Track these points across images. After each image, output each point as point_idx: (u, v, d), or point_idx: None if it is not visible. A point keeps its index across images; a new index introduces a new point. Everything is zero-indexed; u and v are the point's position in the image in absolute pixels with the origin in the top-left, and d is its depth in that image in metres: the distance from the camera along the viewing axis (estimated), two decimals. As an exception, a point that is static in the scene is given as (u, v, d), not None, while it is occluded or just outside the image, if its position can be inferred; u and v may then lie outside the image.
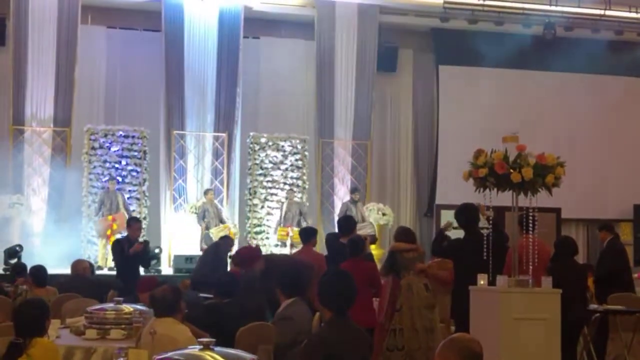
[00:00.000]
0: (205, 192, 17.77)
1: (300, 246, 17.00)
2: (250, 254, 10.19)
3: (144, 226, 17.80)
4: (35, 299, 6.61)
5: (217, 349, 4.40)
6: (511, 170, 7.43)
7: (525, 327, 7.45)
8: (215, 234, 16.78)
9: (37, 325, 5.82)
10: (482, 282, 7.72)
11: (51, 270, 13.43)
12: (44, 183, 17.65)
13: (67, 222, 17.42)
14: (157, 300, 6.32)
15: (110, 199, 17.07)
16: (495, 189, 7.63)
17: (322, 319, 6.23)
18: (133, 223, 12.65)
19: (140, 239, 15.39)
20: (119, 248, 12.18)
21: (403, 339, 9.45)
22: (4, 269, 14.73)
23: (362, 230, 14.94)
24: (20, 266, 12.20)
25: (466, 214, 8.96)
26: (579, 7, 19.63)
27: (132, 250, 11.88)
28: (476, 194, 7.89)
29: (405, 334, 9.45)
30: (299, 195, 18.59)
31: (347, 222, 10.60)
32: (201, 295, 9.14)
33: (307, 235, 11.14)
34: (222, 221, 17.57)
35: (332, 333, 5.54)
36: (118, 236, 15.05)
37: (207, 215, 17.35)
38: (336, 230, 11.35)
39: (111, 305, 7.82)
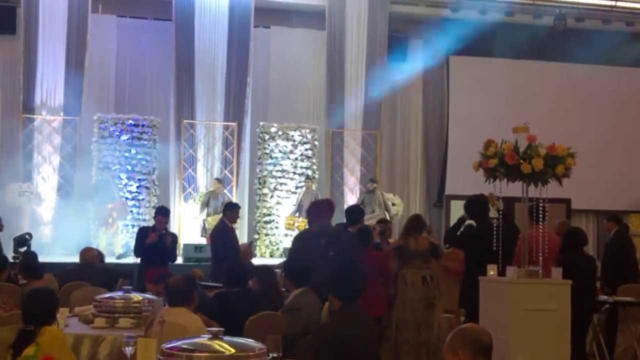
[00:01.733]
0: (215, 181, 17.71)
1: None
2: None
3: (152, 215, 17.84)
4: (43, 288, 6.62)
5: (226, 338, 4.40)
6: (521, 161, 7.40)
7: (534, 318, 7.44)
8: (211, 222, 16.78)
9: (46, 313, 5.83)
10: (491, 273, 7.71)
11: (61, 259, 13.51)
12: (53, 171, 17.69)
13: (76, 211, 17.46)
14: (171, 289, 6.33)
15: (105, 187, 17.06)
16: (506, 180, 7.61)
17: (331, 308, 6.22)
18: (159, 214, 12.30)
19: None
20: (140, 236, 12.11)
21: (391, 331, 9.45)
22: (14, 257, 14.73)
23: (371, 220, 14.90)
24: (32, 255, 12.05)
25: (477, 205, 8.95)
26: (590, -3, 19.59)
27: (148, 241, 11.72)
28: (486, 184, 7.87)
29: (395, 326, 9.45)
30: (310, 183, 18.53)
31: (354, 212, 10.51)
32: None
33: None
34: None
35: (342, 322, 5.55)
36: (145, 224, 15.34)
37: (211, 204, 17.27)
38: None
39: (120, 293, 7.82)
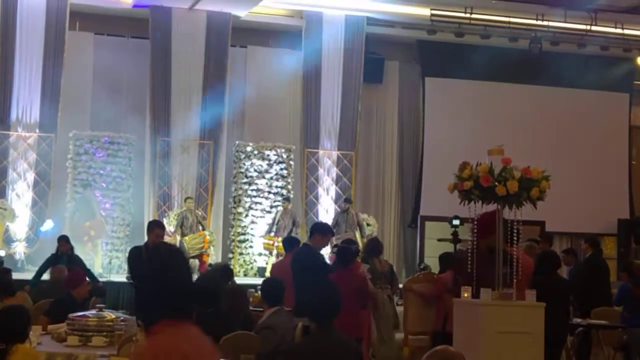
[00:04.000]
0: (185, 200, 17.67)
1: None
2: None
3: (127, 233, 17.81)
4: (16, 306, 6.58)
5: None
6: (496, 183, 7.45)
7: (508, 341, 7.46)
8: (189, 241, 16.75)
9: (18, 331, 5.80)
10: (465, 295, 7.73)
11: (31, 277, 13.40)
12: (28, 188, 17.59)
13: (50, 228, 17.39)
14: None
15: (86, 205, 17.01)
16: (480, 202, 7.65)
17: (303, 329, 6.22)
18: (155, 227, 10.70)
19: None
20: (132, 255, 10.50)
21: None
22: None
23: (339, 240, 14.88)
24: (6, 271, 12.06)
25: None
26: (565, 22, 19.71)
27: None
28: (461, 206, 7.91)
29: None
30: (283, 204, 18.51)
31: (316, 227, 10.32)
32: None
33: (291, 244, 11.18)
34: (204, 229, 17.50)
35: (315, 343, 5.53)
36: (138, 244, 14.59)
37: (185, 223, 17.24)
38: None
39: (93, 312, 7.79)
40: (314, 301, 5.76)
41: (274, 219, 18.08)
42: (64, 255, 13.36)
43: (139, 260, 9.85)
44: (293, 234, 17.44)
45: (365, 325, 9.60)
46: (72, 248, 13.79)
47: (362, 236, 17.57)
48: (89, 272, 12.94)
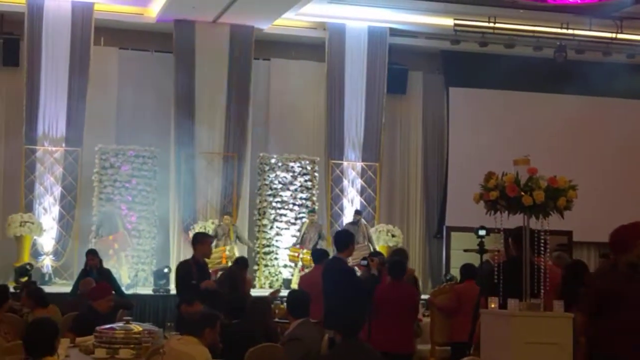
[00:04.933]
0: (224, 215, 17.70)
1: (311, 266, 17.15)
2: None
3: (153, 246, 17.88)
4: (45, 318, 6.61)
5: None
6: (522, 193, 7.40)
7: (536, 352, 7.39)
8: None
9: (47, 344, 5.83)
10: (492, 306, 7.68)
11: (61, 289, 13.51)
12: (55, 202, 17.71)
13: (77, 241, 17.52)
14: (186, 320, 6.40)
15: (110, 219, 17.09)
16: (507, 212, 7.61)
17: (329, 341, 6.21)
18: (203, 239, 10.62)
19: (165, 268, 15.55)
20: (184, 272, 10.17)
21: None
22: (15, 288, 14.72)
23: (357, 252, 14.84)
24: (33, 284, 12.20)
25: None
26: (590, 30, 19.60)
27: (204, 285, 10.03)
28: (487, 216, 7.86)
29: None
30: (315, 216, 18.50)
31: (343, 237, 9.92)
32: None
33: (320, 256, 11.16)
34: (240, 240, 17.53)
35: (341, 355, 5.52)
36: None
37: (218, 236, 17.27)
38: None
39: (120, 324, 7.81)
40: (342, 313, 5.76)
41: (300, 230, 18.09)
42: (93, 269, 13.44)
43: (189, 275, 9.80)
44: (319, 246, 17.45)
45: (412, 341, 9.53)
46: (100, 261, 13.88)
47: (372, 249, 17.54)
48: (116, 286, 13.01)
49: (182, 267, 10.28)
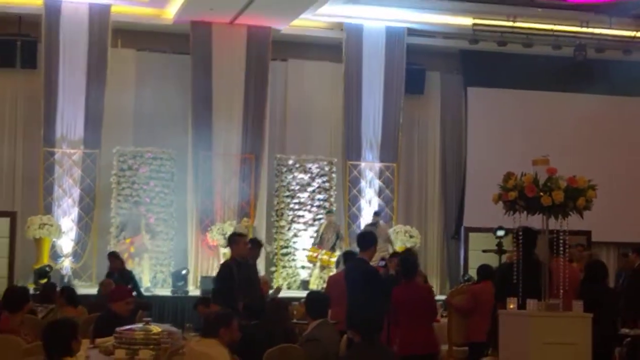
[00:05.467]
0: (242, 219, 17.73)
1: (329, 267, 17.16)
2: None
3: (171, 247, 17.92)
4: (64, 319, 6.63)
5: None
6: (541, 194, 7.37)
7: (555, 352, 7.37)
8: (228, 255, 16.81)
9: (63, 346, 5.84)
10: (511, 306, 7.65)
11: (81, 291, 13.56)
12: (74, 204, 17.77)
13: (96, 243, 17.60)
14: (206, 321, 6.41)
15: (133, 221, 17.14)
16: (525, 212, 7.58)
17: (348, 342, 6.21)
18: (236, 239, 10.66)
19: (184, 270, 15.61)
20: (221, 275, 10.35)
21: None
22: (34, 289, 14.80)
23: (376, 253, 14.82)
24: (52, 286, 12.27)
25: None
26: (610, 28, 19.50)
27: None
28: (505, 217, 7.84)
29: None
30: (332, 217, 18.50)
31: (366, 238, 9.95)
32: None
33: (349, 258, 11.18)
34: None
35: (359, 356, 5.51)
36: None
37: None
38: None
39: (140, 325, 7.81)
40: (361, 314, 5.74)
41: (318, 231, 18.08)
42: (115, 271, 13.50)
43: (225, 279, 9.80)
44: (337, 247, 17.47)
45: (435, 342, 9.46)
46: (122, 263, 13.93)
47: (393, 249, 17.52)
48: (136, 288, 13.06)
49: (221, 270, 10.47)
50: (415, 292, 9.14)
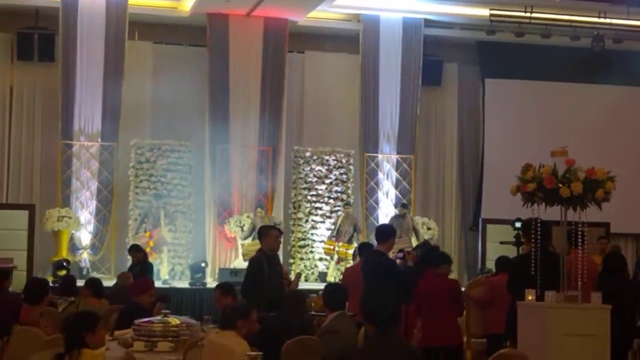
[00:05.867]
0: (256, 209, 17.74)
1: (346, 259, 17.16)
2: None
3: (189, 239, 17.97)
4: (84, 312, 6.68)
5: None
6: (560, 185, 7.35)
7: (574, 344, 7.37)
8: (246, 247, 16.86)
9: (80, 337, 5.89)
10: (530, 298, 7.64)
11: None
12: (91, 197, 17.83)
13: (115, 235, 17.66)
14: (224, 313, 6.42)
15: (153, 214, 17.19)
16: (544, 204, 7.56)
17: (366, 334, 6.19)
18: (266, 231, 10.43)
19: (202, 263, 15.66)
20: (258, 266, 10.00)
21: None
22: (53, 282, 14.86)
23: (396, 245, 14.80)
24: (72, 279, 12.35)
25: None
26: (628, 19, 19.38)
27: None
28: (523, 208, 7.83)
29: None
30: (350, 209, 18.54)
31: (384, 230, 9.97)
32: None
33: (365, 250, 11.18)
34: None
35: (375, 349, 5.49)
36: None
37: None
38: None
39: (159, 317, 7.85)
40: (376, 306, 5.72)
41: (335, 223, 18.08)
42: (138, 264, 13.55)
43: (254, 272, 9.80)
44: (354, 240, 17.46)
45: (459, 332, 9.46)
46: (145, 254, 13.98)
47: (418, 241, 17.48)
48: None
49: (250, 264, 10.31)
50: (441, 284, 9.16)
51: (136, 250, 14.03)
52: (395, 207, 18.84)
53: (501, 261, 11.01)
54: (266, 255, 9.98)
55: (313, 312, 10.44)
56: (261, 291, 9.40)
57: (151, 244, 16.84)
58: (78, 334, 5.93)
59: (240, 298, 9.61)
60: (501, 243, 16.24)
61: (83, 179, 17.83)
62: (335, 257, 17.56)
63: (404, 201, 18.87)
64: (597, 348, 7.50)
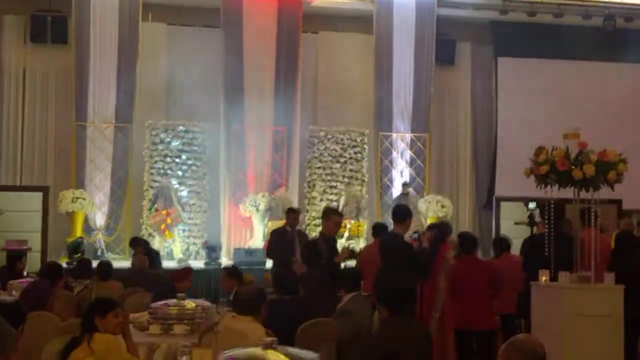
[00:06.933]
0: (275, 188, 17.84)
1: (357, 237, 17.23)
2: None
3: (204, 219, 18.05)
4: (99, 298, 6.76)
5: (280, 347, 4.43)
6: (572, 167, 7.39)
7: (587, 323, 7.42)
8: (271, 227, 16.94)
9: (90, 321, 5.99)
10: (544, 279, 7.69)
11: (114, 264, 13.72)
12: (106, 178, 17.91)
13: (129, 217, 17.76)
14: (240, 300, 6.44)
15: (165, 194, 17.26)
16: (557, 185, 7.60)
17: (380, 317, 6.21)
18: (327, 215, 10.70)
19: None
20: (314, 250, 10.23)
21: None
22: (68, 263, 14.98)
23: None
24: (87, 262, 12.40)
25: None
26: (640, -3, 19.37)
27: (339, 258, 10.56)
28: (537, 187, 7.87)
29: None
30: (358, 187, 18.66)
31: (401, 211, 9.79)
32: None
33: (379, 230, 11.21)
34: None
35: (388, 332, 5.50)
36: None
37: (273, 210, 17.44)
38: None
39: (174, 301, 7.92)
40: (390, 287, 5.73)
41: (338, 204, 18.16)
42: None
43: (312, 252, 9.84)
44: (360, 218, 17.61)
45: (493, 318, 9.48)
46: (146, 243, 14.03)
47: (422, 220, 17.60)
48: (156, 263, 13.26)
49: (306, 246, 10.54)
50: (474, 267, 9.19)
51: (136, 245, 13.86)
52: (402, 185, 18.78)
53: (501, 242, 11.03)
54: (325, 238, 10.20)
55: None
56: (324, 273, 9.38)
57: (169, 221, 16.93)
58: (90, 320, 6.03)
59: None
60: (515, 224, 16.26)
61: (97, 160, 17.90)
62: (346, 234, 17.59)
63: (406, 180, 18.91)
64: (611, 328, 7.55)
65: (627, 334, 7.91)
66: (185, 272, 9.82)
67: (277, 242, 11.96)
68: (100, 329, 6.03)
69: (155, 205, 17.21)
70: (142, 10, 18.18)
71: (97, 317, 6.07)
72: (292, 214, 12.34)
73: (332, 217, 10.46)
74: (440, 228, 10.12)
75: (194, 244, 17.93)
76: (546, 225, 7.96)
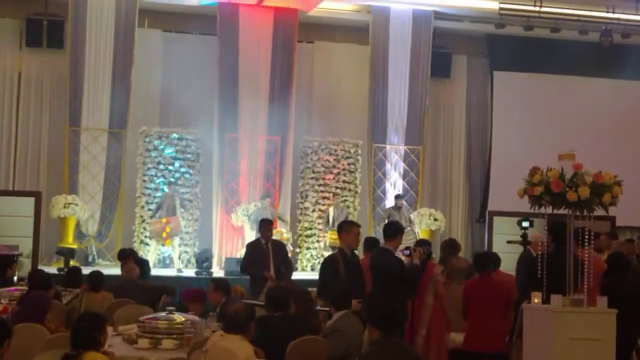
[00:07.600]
0: (264, 198, 17.72)
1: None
2: None
3: (196, 227, 17.98)
4: (91, 313, 6.64)
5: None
6: (567, 189, 7.35)
7: (580, 347, 7.37)
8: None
9: (91, 338, 5.86)
10: (536, 301, 7.64)
11: (105, 271, 13.64)
12: (98, 184, 17.85)
13: (121, 223, 17.69)
14: (229, 317, 6.34)
15: (168, 202, 17.20)
16: (551, 207, 7.56)
17: (370, 338, 6.16)
18: (347, 227, 9.73)
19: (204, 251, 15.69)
20: (333, 265, 9.42)
21: None
22: (59, 269, 14.90)
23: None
24: (77, 270, 12.24)
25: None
26: (636, 14, 19.34)
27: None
28: (530, 208, 7.83)
29: None
30: (351, 199, 18.63)
31: (392, 228, 9.63)
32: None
33: (371, 245, 11.14)
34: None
35: (379, 353, 5.46)
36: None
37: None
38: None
39: (163, 314, 7.85)
40: (380, 308, 5.67)
41: (328, 216, 18.10)
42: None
43: (328, 270, 9.61)
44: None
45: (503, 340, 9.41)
46: (133, 253, 13.55)
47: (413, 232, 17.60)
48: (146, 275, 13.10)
49: (325, 262, 9.88)
50: (496, 288, 9.12)
51: (124, 258, 13.28)
52: (395, 198, 18.72)
53: (480, 261, 10.67)
54: (343, 254, 9.43)
55: (319, 307, 10.37)
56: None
57: (168, 229, 16.86)
58: (89, 335, 5.89)
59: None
60: (508, 242, 16.19)
61: (90, 166, 17.86)
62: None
63: (398, 192, 18.88)
64: (603, 352, 7.50)
65: (617, 355, 7.87)
66: (200, 295, 9.67)
67: (250, 256, 11.85)
68: (102, 343, 5.94)
69: (159, 212, 17.11)
70: (139, 16, 18.18)
71: (98, 333, 5.94)
72: (267, 225, 12.11)
73: (352, 229, 9.63)
74: (426, 245, 10.10)
75: (186, 252, 17.86)
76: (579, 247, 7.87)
